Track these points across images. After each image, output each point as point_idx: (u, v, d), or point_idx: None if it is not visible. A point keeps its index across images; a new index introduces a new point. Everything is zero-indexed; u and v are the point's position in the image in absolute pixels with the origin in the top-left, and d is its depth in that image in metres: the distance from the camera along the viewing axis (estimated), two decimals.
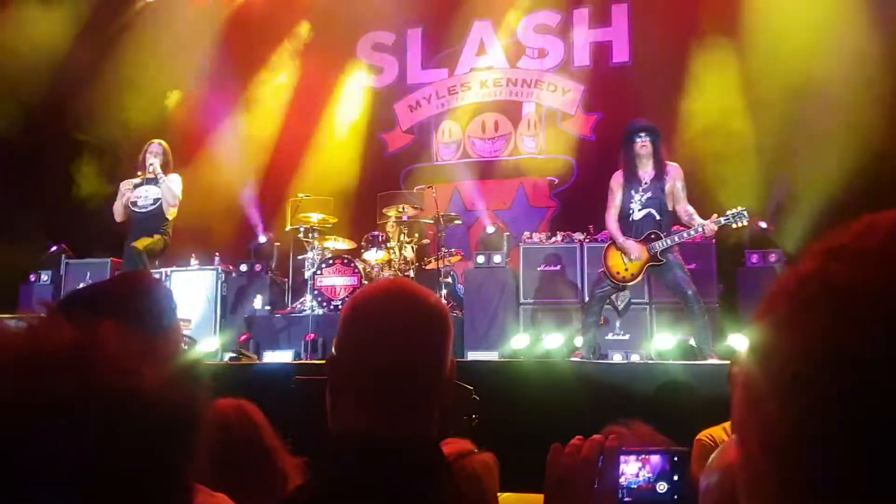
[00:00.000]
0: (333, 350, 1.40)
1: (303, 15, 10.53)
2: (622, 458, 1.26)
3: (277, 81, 10.54)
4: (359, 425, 1.31)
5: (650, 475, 1.26)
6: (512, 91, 10.24)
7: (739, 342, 6.09)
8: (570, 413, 4.54)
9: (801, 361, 0.50)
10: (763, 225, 7.59)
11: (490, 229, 8.37)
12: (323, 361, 1.42)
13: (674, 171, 6.34)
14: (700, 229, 6.09)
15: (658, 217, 6.27)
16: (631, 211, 6.33)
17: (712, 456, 1.26)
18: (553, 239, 8.16)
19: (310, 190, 8.86)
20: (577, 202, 9.22)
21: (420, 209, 8.54)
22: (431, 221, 8.42)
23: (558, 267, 7.80)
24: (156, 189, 7.07)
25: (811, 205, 7.45)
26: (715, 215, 6.13)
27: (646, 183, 6.30)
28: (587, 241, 7.86)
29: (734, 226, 6.15)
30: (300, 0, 10.61)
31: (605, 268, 6.46)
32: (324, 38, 10.40)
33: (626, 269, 6.30)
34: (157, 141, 7.24)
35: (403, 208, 8.27)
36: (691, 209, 6.27)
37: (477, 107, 10.32)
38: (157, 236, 7.00)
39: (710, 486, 1.16)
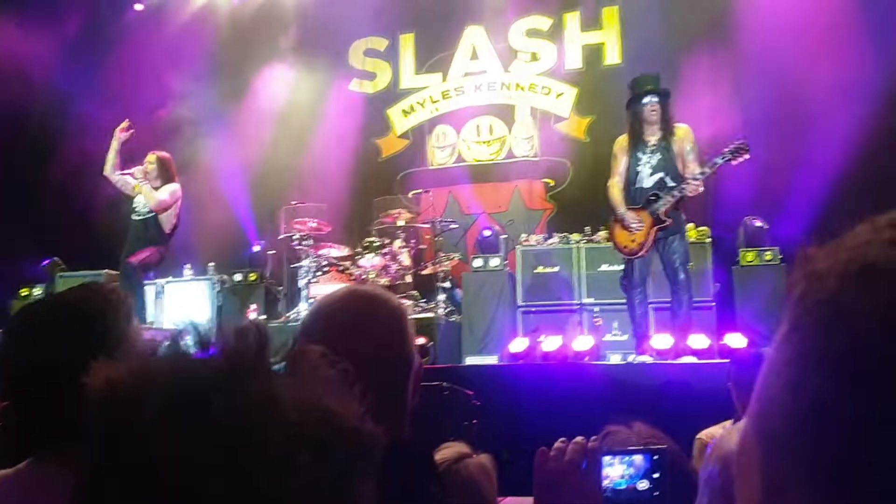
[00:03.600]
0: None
1: (294, 21, 10.55)
2: (606, 459, 1.28)
3: (270, 88, 10.54)
4: None
5: (633, 474, 1.27)
6: (505, 94, 10.26)
7: (736, 341, 6.09)
8: (570, 415, 4.53)
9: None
10: (758, 223, 7.59)
11: (487, 232, 8.36)
12: None
13: (683, 131, 5.95)
14: (698, 176, 5.72)
15: (670, 183, 5.87)
16: (639, 176, 5.93)
17: (710, 447, 1.26)
18: (550, 240, 8.17)
19: (304, 197, 8.85)
20: (573, 203, 9.23)
21: (416, 214, 8.54)
22: (428, 226, 8.41)
23: (556, 268, 7.81)
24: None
25: (806, 205, 7.47)
26: (705, 166, 5.78)
27: (653, 144, 5.91)
28: (584, 241, 7.87)
29: (734, 162, 5.75)
30: (291, 7, 10.62)
31: (613, 243, 6.16)
32: (316, 44, 10.42)
33: (633, 241, 5.95)
34: (152, 152, 7.23)
35: (399, 213, 8.26)
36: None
37: (471, 111, 10.33)
38: (151, 248, 6.96)
39: (712, 475, 1.17)
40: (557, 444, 1.30)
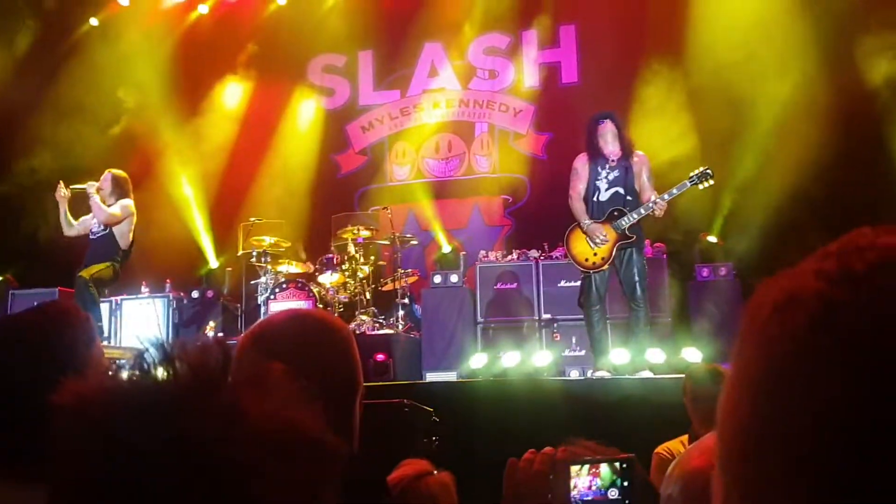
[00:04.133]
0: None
1: (252, 37, 10.50)
2: (574, 469, 1.28)
3: (228, 104, 10.47)
4: None
5: (601, 483, 1.29)
6: (464, 112, 10.32)
7: (692, 355, 6.17)
8: (530, 430, 4.56)
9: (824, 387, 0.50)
10: (712, 239, 7.73)
11: (446, 249, 8.38)
12: None
13: (641, 157, 6.11)
14: (665, 197, 5.84)
15: (627, 196, 5.98)
16: (597, 190, 6.03)
17: (671, 466, 1.28)
18: (509, 257, 8.21)
19: (262, 214, 8.78)
20: (531, 220, 9.30)
21: (375, 230, 8.52)
22: (387, 242, 8.40)
23: (514, 285, 7.85)
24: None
25: (758, 219, 7.63)
26: (661, 196, 5.89)
27: (612, 161, 6.02)
28: (542, 258, 7.93)
29: (701, 186, 5.93)
30: (250, 22, 10.58)
31: (570, 256, 6.14)
32: (274, 60, 10.38)
33: (596, 254, 5.98)
34: (108, 170, 7.18)
35: (358, 230, 8.24)
36: (656, 196, 5.96)
37: (430, 127, 10.37)
38: (106, 263, 6.88)
39: (673, 495, 1.19)
40: (526, 455, 1.31)
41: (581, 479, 1.28)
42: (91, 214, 7.02)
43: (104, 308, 7.96)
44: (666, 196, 5.90)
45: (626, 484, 1.28)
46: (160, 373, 0.62)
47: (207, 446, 0.57)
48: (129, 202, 7.08)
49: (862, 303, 0.51)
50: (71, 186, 7.04)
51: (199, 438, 0.58)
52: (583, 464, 1.29)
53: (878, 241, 0.54)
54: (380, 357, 6.88)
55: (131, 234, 7.07)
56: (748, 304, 0.57)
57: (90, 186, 6.96)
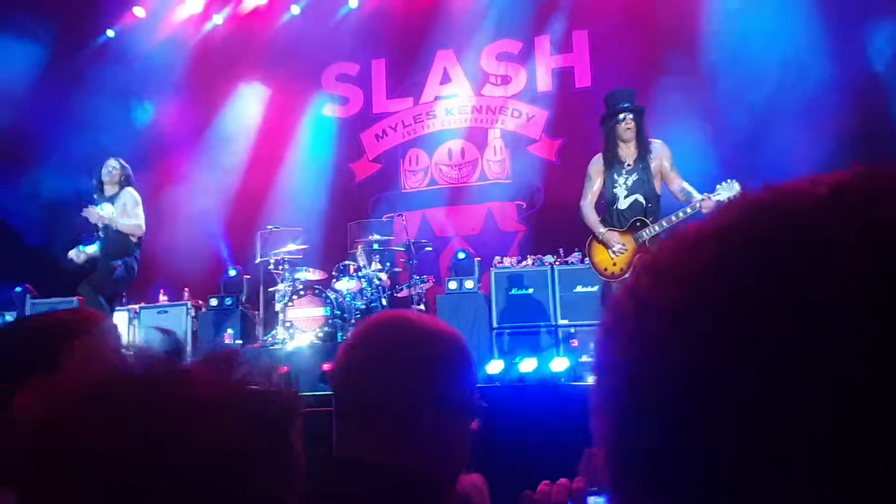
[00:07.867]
0: (332, 376, 1.46)
1: (267, 46, 10.57)
2: (592, 499, 1.27)
3: (243, 113, 10.54)
4: (356, 453, 1.35)
5: None
6: (477, 118, 10.34)
7: None
8: (548, 437, 4.56)
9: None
10: None
11: (461, 255, 8.39)
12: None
13: (659, 148, 5.86)
14: (690, 211, 5.57)
15: (646, 203, 5.79)
16: (616, 198, 5.84)
17: None
18: (523, 262, 8.21)
19: (279, 221, 8.84)
20: (545, 225, 9.30)
21: (390, 237, 8.55)
22: (402, 249, 8.42)
23: (530, 290, 7.84)
24: (111, 207, 6.84)
25: None
26: (705, 194, 5.60)
27: (629, 164, 5.81)
28: (557, 263, 7.92)
29: (725, 199, 5.54)
30: (264, 32, 10.65)
31: (591, 264, 6.01)
32: (288, 69, 10.44)
33: (615, 264, 5.81)
34: (113, 158, 7.06)
35: (373, 237, 8.27)
36: (688, 187, 5.73)
37: (443, 134, 10.40)
38: (117, 263, 6.76)
39: None
40: (541, 487, 1.29)
41: None
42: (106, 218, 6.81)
43: (122, 317, 8.04)
44: (711, 194, 5.58)
45: None
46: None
47: (148, 411, 0.69)
48: (136, 196, 6.96)
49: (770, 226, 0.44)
50: (89, 217, 6.81)
51: (140, 407, 0.69)
52: (601, 494, 1.28)
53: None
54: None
55: (143, 223, 6.96)
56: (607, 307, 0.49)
57: (106, 212, 6.78)
